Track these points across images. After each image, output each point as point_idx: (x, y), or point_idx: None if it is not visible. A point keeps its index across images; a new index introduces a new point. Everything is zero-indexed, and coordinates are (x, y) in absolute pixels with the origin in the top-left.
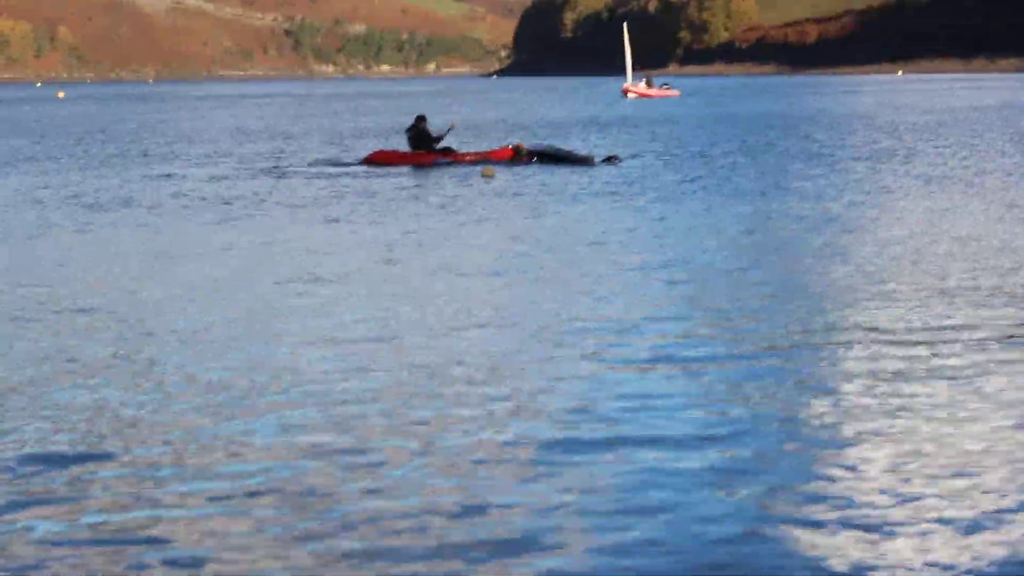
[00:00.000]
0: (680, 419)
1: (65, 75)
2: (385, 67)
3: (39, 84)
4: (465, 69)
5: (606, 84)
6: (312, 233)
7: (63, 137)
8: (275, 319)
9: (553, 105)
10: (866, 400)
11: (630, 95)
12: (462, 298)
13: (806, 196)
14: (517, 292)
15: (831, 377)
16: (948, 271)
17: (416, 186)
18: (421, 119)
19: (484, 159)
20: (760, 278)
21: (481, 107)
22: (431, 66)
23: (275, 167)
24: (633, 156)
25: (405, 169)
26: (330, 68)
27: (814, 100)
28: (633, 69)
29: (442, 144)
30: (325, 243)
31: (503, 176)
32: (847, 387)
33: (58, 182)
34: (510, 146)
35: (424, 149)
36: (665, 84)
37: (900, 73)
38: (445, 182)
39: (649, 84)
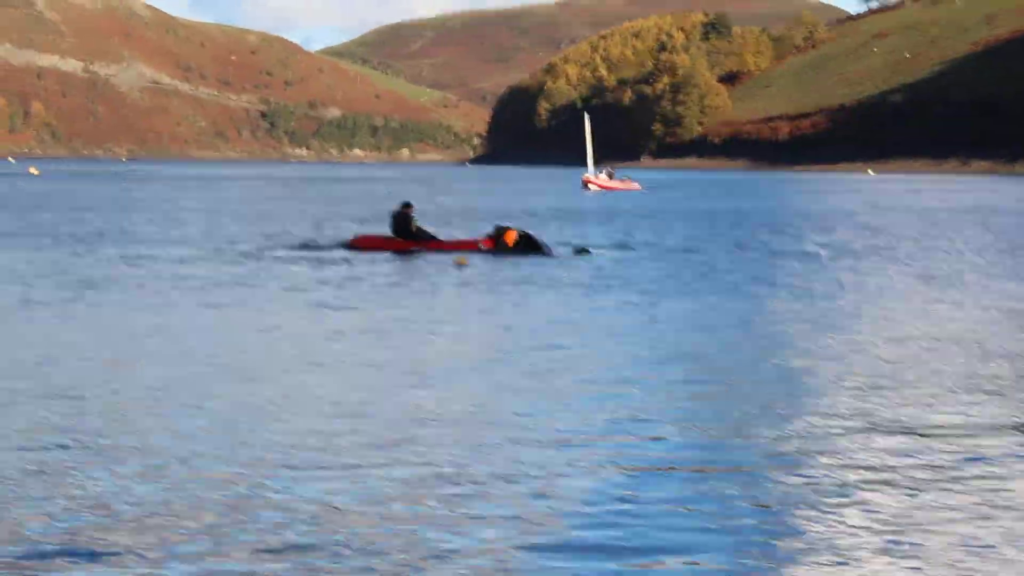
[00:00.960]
0: (660, 525)
1: (39, 151)
2: (358, 152)
3: (12, 160)
4: (438, 156)
5: (575, 175)
6: (292, 317)
7: (38, 214)
8: (250, 403)
9: (516, 195)
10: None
11: (591, 187)
12: (438, 390)
13: (770, 292)
14: (492, 387)
15: (806, 486)
16: (926, 371)
17: (397, 272)
18: (407, 206)
19: (465, 247)
20: (738, 375)
21: (454, 195)
22: (404, 152)
23: (256, 250)
24: (603, 249)
25: (387, 255)
26: (304, 151)
27: (785, 197)
28: (596, 161)
29: (425, 232)
30: (306, 327)
31: (478, 265)
32: (825, 498)
33: (34, 260)
34: (510, 228)
35: (406, 235)
36: (626, 177)
37: (870, 172)
38: (426, 269)
39: (610, 176)
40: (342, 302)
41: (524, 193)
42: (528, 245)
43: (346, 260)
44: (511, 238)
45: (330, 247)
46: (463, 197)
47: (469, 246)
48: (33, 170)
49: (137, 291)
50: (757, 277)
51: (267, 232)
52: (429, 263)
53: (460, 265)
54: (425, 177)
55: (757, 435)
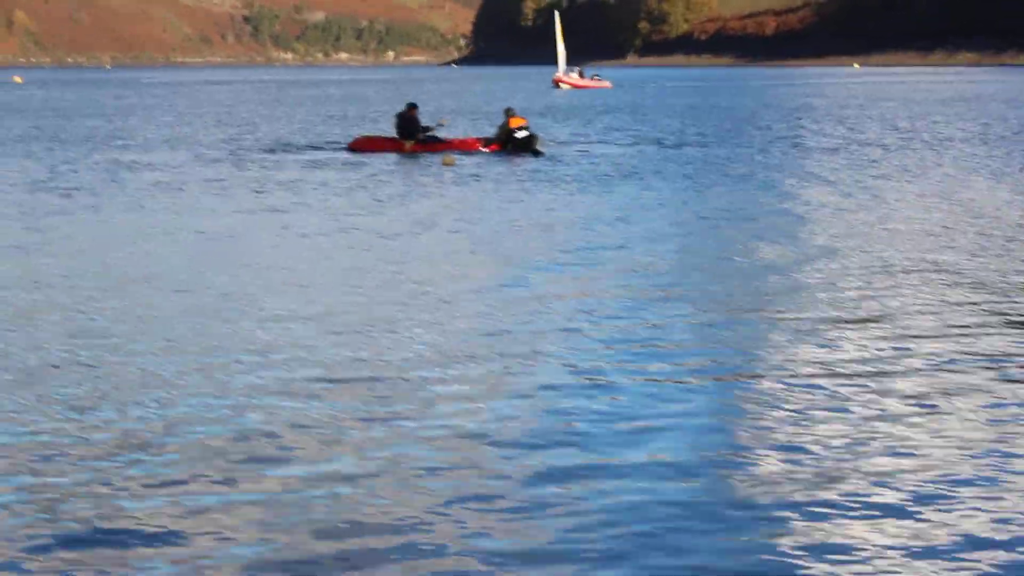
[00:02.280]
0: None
1: (22, 60)
2: (344, 55)
3: None
4: (423, 58)
5: (551, 74)
6: (293, 220)
7: (24, 122)
8: (243, 304)
9: (488, 95)
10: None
11: (562, 86)
12: (442, 289)
13: (762, 185)
14: (501, 282)
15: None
16: (903, 264)
17: (398, 173)
18: (412, 107)
19: (469, 147)
20: (738, 269)
21: (424, 97)
22: (390, 54)
23: (252, 153)
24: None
25: (389, 156)
26: (289, 55)
27: (770, 91)
28: (577, 60)
29: (429, 134)
30: (308, 230)
31: (467, 163)
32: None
33: (25, 167)
34: (516, 116)
35: (411, 137)
36: (595, 75)
37: (857, 66)
38: (428, 169)
39: (580, 75)
40: (345, 203)
41: (497, 93)
42: (527, 144)
43: (347, 162)
44: (517, 123)
45: (334, 148)
46: (435, 99)
47: (472, 145)
48: (16, 79)
49: (134, 196)
50: (732, 170)
51: (259, 135)
52: (432, 163)
53: (448, 165)
54: (403, 79)
55: (749, 334)
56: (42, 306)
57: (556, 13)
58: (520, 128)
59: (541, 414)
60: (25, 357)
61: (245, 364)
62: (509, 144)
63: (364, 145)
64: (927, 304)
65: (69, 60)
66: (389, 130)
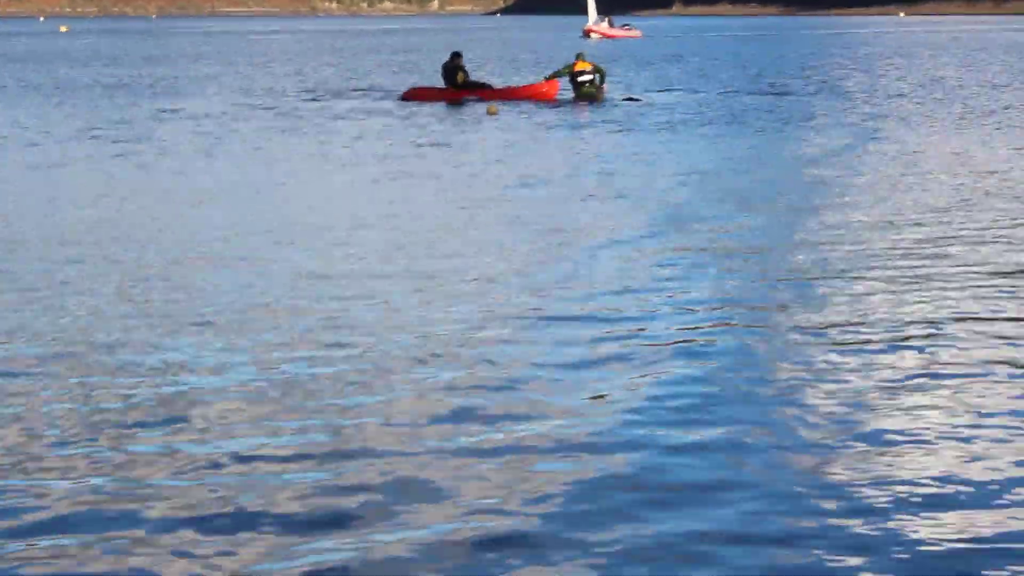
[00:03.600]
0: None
1: (68, 10)
2: (388, 4)
3: (42, 19)
4: (468, 7)
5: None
6: (347, 167)
7: (70, 71)
8: (292, 250)
9: (518, 44)
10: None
11: (593, 36)
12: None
13: (817, 135)
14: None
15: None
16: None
17: (446, 121)
18: (457, 56)
19: (518, 94)
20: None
21: (480, 45)
22: (434, 3)
23: (305, 102)
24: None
25: (439, 105)
26: (333, 5)
27: (816, 41)
28: (614, 10)
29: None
30: (359, 176)
31: (513, 111)
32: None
33: (72, 116)
34: (585, 60)
35: (458, 86)
36: (626, 24)
37: (902, 15)
38: (473, 117)
39: (610, 24)
40: (396, 151)
41: (527, 43)
42: (589, 93)
43: (398, 112)
44: (582, 66)
45: (383, 98)
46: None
47: (521, 93)
48: (63, 28)
49: (190, 143)
50: (771, 119)
51: (311, 85)
52: (477, 111)
53: (492, 115)
54: (444, 29)
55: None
56: (104, 254)
57: None
58: (583, 72)
59: (607, 377)
60: (87, 305)
61: (308, 314)
62: (572, 87)
63: (416, 95)
64: (988, 261)
65: (115, 10)
66: (437, 80)
